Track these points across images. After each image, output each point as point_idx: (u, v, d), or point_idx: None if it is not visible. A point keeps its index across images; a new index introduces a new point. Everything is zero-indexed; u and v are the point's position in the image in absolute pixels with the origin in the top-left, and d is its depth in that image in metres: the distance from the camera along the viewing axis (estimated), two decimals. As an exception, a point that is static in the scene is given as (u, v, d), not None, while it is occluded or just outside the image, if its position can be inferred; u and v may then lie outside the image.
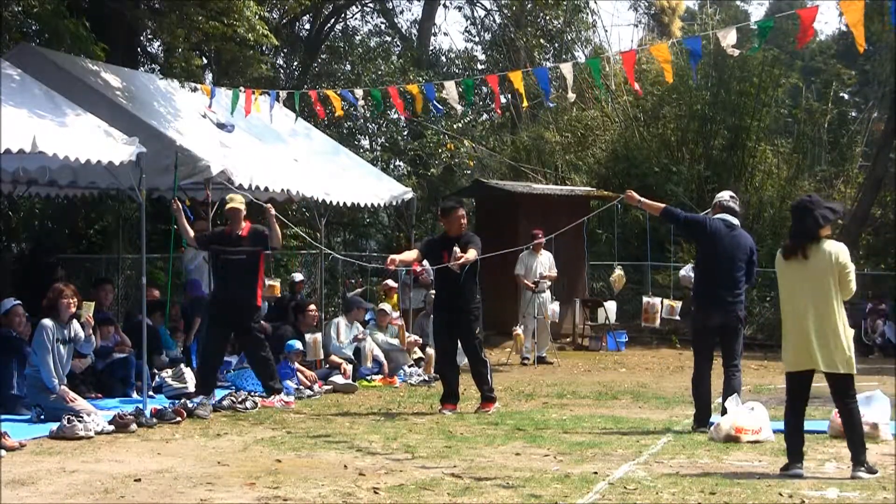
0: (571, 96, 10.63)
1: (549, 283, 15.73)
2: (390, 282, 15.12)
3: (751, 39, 18.43)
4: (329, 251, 14.34)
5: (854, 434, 7.09)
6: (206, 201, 11.59)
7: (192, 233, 10.81)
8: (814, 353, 7.06)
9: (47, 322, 9.28)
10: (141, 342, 9.99)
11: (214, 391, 10.65)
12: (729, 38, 8.03)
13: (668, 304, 12.37)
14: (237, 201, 10.80)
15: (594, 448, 8.12)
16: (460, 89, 10.37)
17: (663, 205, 9.41)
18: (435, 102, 11.26)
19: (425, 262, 14.61)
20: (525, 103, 12.56)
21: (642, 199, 9.35)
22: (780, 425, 8.15)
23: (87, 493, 6.51)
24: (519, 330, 15.14)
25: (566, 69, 9.77)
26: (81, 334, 9.53)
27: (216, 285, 11.04)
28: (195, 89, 12.89)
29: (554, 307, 15.93)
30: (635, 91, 16.84)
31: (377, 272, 18.30)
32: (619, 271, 13.41)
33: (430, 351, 13.14)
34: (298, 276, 15.14)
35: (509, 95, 22.08)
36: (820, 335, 7.07)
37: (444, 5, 28.59)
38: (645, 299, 12.34)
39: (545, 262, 15.69)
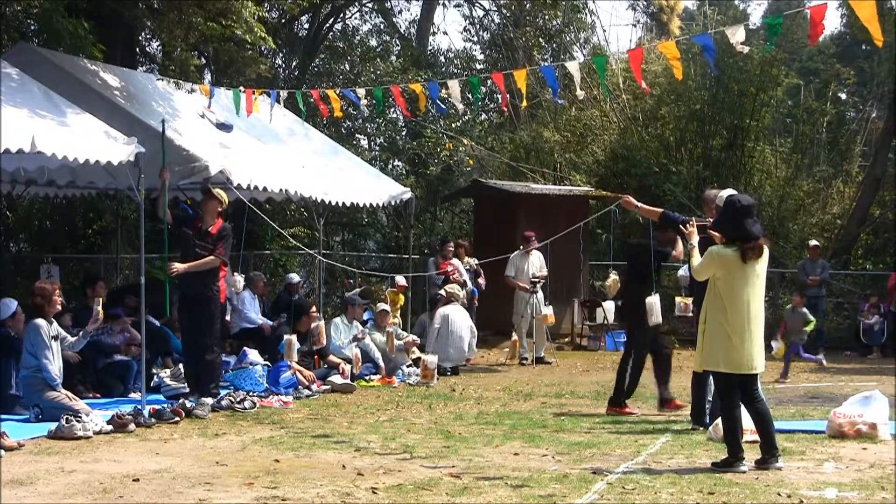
0: (581, 93, 10.54)
1: (541, 283, 15.72)
2: (400, 279, 15.13)
3: (752, 39, 18.55)
4: (324, 259, 14.24)
5: (772, 427, 7.25)
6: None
7: (169, 212, 10.72)
8: (757, 356, 7.16)
9: (40, 321, 9.30)
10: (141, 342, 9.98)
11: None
12: (738, 35, 8.02)
13: (679, 302, 12.10)
14: (223, 197, 10.77)
15: (593, 448, 8.12)
16: (460, 87, 10.34)
17: (661, 209, 9.40)
18: (437, 101, 11.24)
19: (456, 262, 14.76)
20: (525, 103, 12.52)
21: (640, 204, 9.32)
22: (779, 425, 8.18)
23: (86, 492, 6.50)
24: (516, 337, 15.20)
25: (573, 67, 9.74)
26: (65, 334, 9.61)
27: (182, 277, 10.69)
28: (192, 90, 12.88)
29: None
30: (643, 90, 16.76)
31: (377, 272, 18.32)
32: (613, 276, 13.30)
33: (426, 357, 13.08)
34: (295, 278, 15.14)
35: (508, 95, 22.06)
36: (758, 336, 7.25)
37: (443, 4, 28.64)
38: (648, 300, 12.08)
39: (536, 263, 15.67)
